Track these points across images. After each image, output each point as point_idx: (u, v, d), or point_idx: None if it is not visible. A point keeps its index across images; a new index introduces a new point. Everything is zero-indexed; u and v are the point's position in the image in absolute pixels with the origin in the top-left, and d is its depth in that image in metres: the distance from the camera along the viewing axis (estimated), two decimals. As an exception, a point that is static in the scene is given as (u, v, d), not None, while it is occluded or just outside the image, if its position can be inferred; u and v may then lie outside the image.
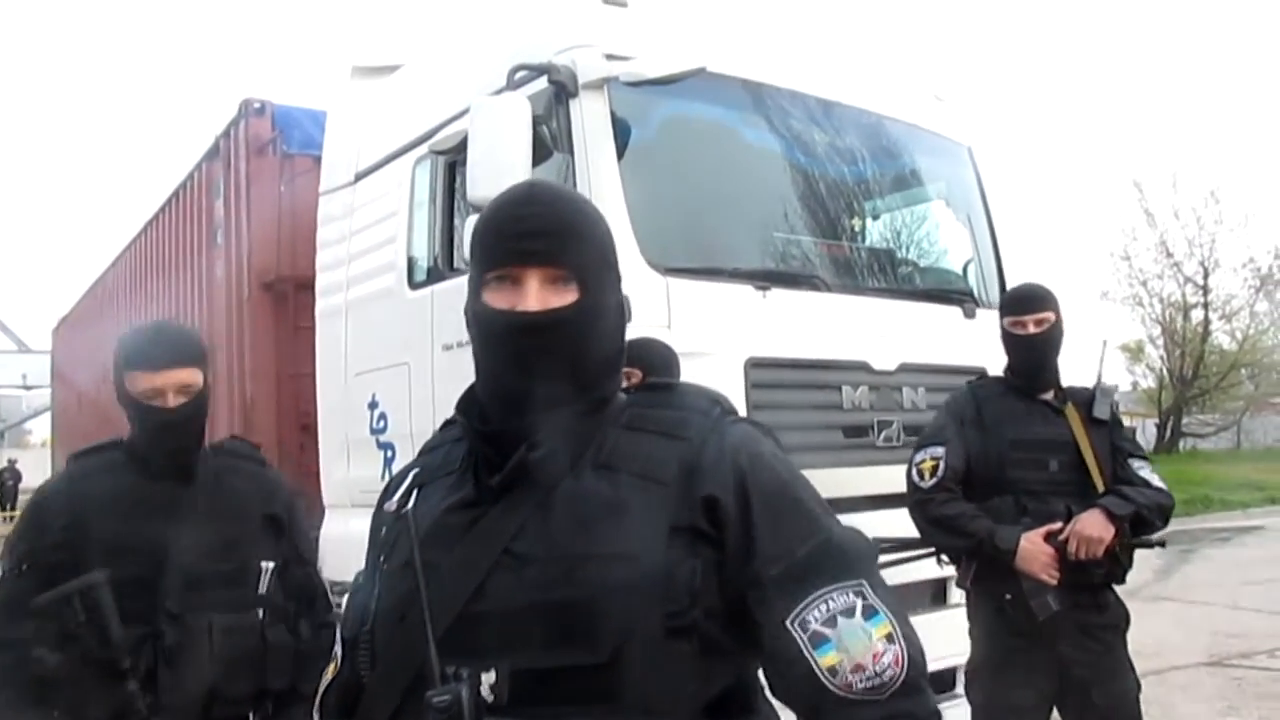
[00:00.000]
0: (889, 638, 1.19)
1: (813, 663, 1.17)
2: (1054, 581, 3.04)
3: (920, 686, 1.20)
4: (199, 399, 2.34)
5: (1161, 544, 3.32)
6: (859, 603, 1.19)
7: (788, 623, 1.18)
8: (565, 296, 1.26)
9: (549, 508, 1.23)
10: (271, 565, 2.44)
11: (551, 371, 1.25)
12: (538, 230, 1.27)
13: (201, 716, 2.31)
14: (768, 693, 1.31)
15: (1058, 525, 3.08)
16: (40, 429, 40.61)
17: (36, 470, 25.18)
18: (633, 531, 1.20)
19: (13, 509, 26.50)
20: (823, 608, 1.19)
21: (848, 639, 1.17)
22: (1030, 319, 3.28)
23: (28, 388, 37.90)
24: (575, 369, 1.27)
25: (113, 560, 2.23)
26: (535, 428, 1.25)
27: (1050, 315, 3.28)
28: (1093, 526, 3.04)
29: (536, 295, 1.25)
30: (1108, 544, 3.05)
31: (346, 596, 1.43)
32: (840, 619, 1.18)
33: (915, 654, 1.20)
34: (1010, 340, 3.33)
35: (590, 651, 1.16)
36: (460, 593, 1.22)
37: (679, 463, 1.24)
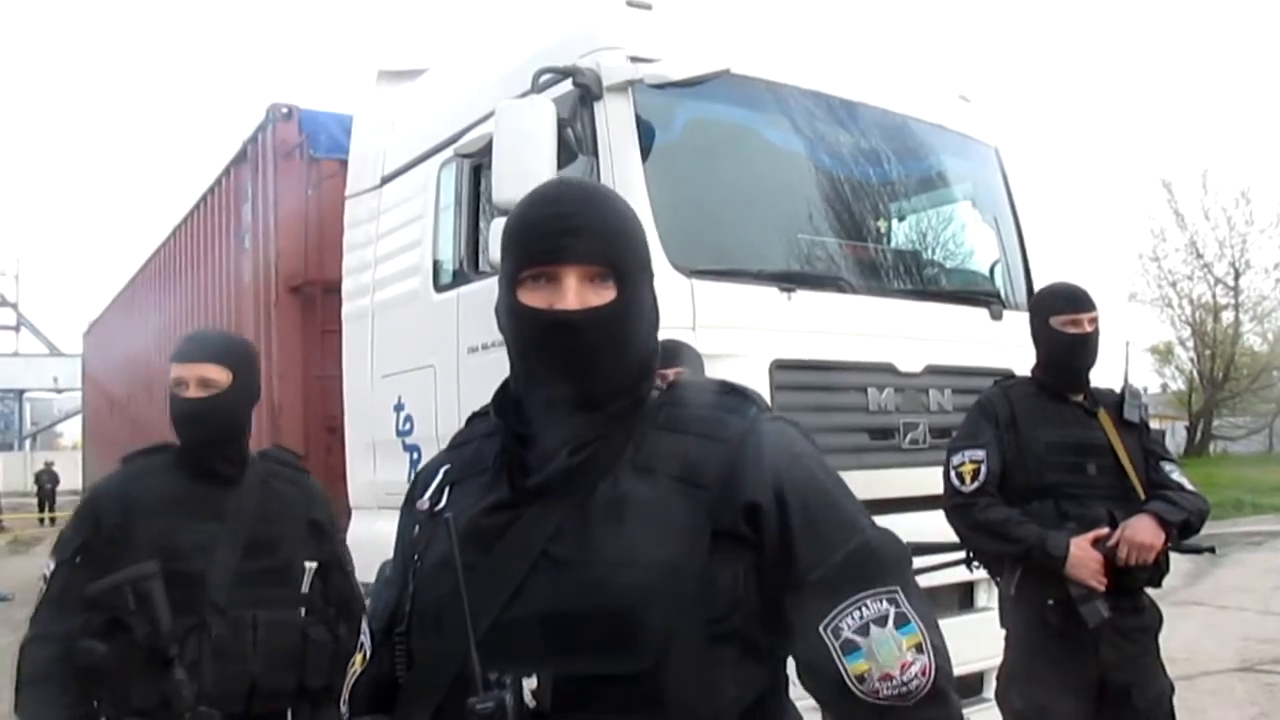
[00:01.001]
0: (918, 648, 1.19)
1: (842, 670, 1.17)
2: (1103, 588, 3.00)
3: (946, 695, 1.20)
4: (221, 398, 2.41)
5: (1212, 549, 3.27)
6: (891, 610, 1.19)
7: (821, 629, 1.18)
8: (604, 295, 1.24)
9: (587, 510, 1.21)
10: (314, 565, 2.52)
11: (590, 371, 1.23)
12: (574, 227, 1.24)
13: (243, 709, 2.36)
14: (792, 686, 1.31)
15: (1105, 531, 3.04)
16: (71, 431, 41.10)
17: (67, 473, 25.37)
18: (673, 537, 1.19)
19: (52, 511, 26.76)
20: (856, 614, 1.18)
21: (878, 648, 1.17)
22: (1086, 317, 3.23)
23: (59, 390, 38.47)
24: (613, 369, 1.25)
25: (160, 556, 2.31)
26: (573, 430, 1.23)
27: (1098, 315, 3.25)
28: (1145, 533, 3.00)
29: (575, 293, 1.22)
30: (1158, 550, 3.01)
31: (374, 587, 1.43)
32: (873, 627, 1.18)
33: (942, 663, 1.20)
34: (1059, 339, 3.25)
35: (633, 659, 1.15)
36: (498, 596, 1.20)
37: (718, 465, 1.22)
